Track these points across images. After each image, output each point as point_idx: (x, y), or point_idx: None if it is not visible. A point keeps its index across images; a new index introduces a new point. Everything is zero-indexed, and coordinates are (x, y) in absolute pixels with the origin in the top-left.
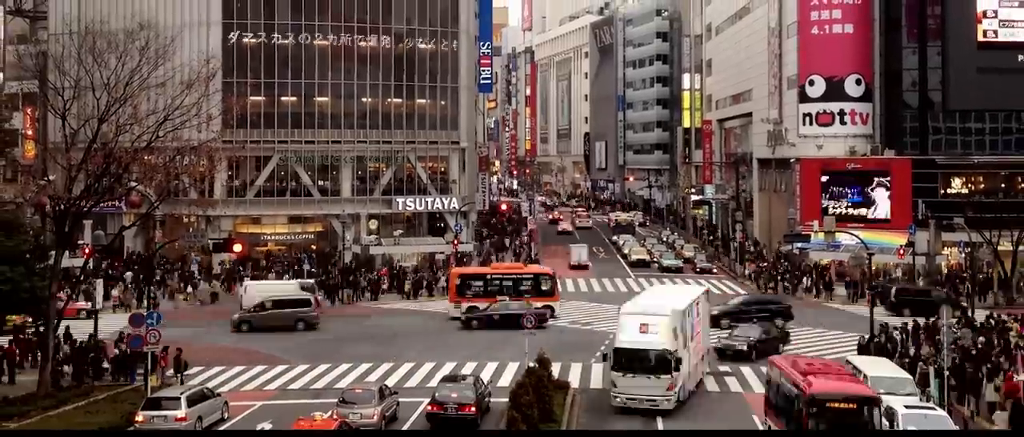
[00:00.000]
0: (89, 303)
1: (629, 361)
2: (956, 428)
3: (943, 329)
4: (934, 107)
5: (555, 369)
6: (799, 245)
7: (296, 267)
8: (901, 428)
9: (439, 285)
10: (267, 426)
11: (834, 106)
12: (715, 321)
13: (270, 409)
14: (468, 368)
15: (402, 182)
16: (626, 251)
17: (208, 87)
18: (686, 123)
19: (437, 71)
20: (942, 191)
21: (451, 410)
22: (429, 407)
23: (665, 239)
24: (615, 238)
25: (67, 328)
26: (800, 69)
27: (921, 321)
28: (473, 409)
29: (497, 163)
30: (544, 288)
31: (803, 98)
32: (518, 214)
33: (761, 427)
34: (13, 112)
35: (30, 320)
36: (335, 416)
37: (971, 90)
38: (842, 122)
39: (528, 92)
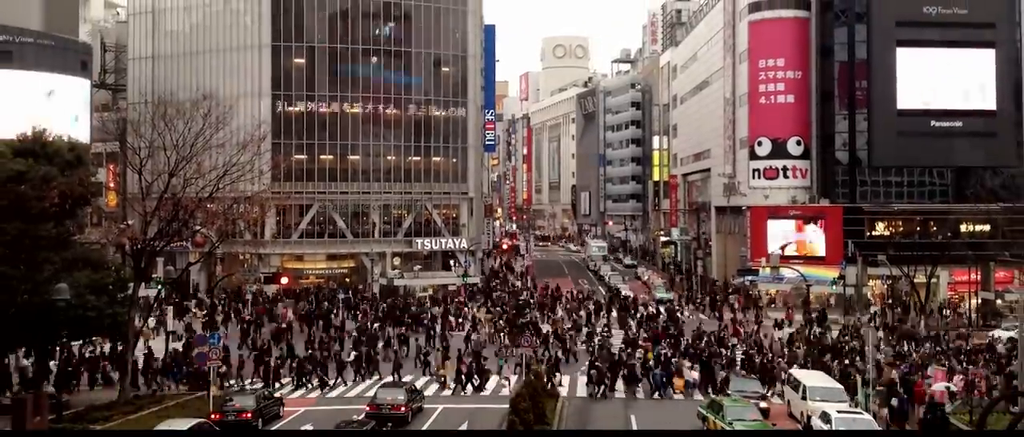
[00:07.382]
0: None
1: None
2: (880, 428)
3: (868, 347)
4: (861, 164)
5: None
6: (750, 278)
7: (332, 296)
8: (834, 429)
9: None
10: (309, 427)
11: (778, 163)
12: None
13: (311, 414)
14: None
15: (421, 226)
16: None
17: (260, 147)
18: (656, 177)
19: (449, 134)
20: (868, 233)
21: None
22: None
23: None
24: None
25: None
26: (750, 132)
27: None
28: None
29: (499, 210)
30: None
31: (752, 156)
32: (516, 251)
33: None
34: (98, 168)
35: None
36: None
37: (892, 150)
38: (785, 176)
39: (525, 151)
